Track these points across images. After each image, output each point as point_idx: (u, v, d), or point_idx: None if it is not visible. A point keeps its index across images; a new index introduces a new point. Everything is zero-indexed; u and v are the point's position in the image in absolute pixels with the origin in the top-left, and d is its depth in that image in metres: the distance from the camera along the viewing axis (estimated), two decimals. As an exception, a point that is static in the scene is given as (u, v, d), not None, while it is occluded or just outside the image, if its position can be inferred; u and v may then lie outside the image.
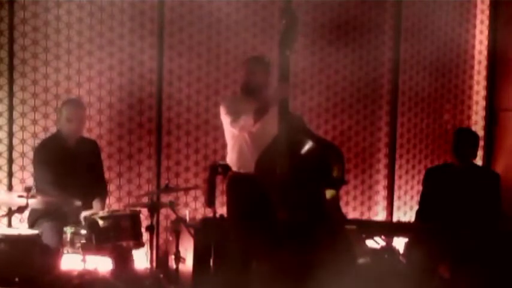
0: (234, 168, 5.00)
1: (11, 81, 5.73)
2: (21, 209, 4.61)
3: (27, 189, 4.58)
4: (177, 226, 5.48)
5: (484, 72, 7.01)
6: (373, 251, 5.04)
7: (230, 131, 4.97)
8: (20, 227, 5.19)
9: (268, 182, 4.48)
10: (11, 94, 5.74)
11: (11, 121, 5.75)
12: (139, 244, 4.90)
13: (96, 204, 5.16)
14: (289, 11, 4.49)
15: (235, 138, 4.96)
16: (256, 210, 4.54)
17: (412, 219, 5.82)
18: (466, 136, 5.49)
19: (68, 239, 4.67)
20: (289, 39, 4.45)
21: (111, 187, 5.94)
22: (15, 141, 5.77)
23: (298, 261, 4.33)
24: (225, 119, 4.96)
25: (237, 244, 4.86)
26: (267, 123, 4.75)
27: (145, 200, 5.57)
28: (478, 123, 7.02)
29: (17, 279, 4.36)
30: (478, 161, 6.73)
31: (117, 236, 4.73)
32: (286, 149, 4.42)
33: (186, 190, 6.07)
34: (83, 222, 4.68)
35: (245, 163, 4.83)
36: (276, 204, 4.42)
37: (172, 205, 5.38)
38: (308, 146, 4.48)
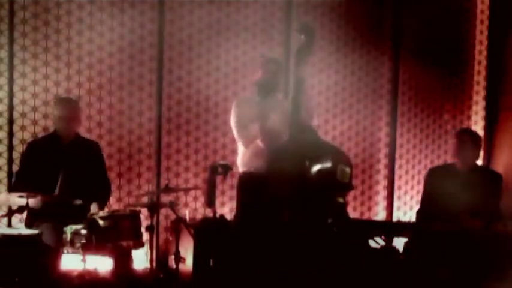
0: (245, 169, 5.03)
1: (11, 81, 5.73)
2: (21, 209, 4.62)
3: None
4: (177, 226, 5.47)
5: (484, 72, 7.01)
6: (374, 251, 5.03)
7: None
8: (20, 227, 5.19)
9: (277, 182, 4.50)
10: (11, 94, 5.74)
11: (11, 120, 5.75)
12: (139, 244, 4.90)
13: (94, 204, 5.16)
14: (307, 27, 4.56)
15: None
16: (266, 210, 4.56)
17: (412, 219, 5.81)
18: (468, 137, 5.49)
19: (68, 239, 4.67)
20: (305, 55, 4.50)
21: (111, 187, 5.93)
22: (15, 141, 5.77)
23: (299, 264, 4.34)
24: (235, 134, 5.06)
25: (241, 243, 4.87)
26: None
27: (145, 200, 5.57)
28: (478, 123, 7.01)
29: (17, 279, 4.36)
30: (478, 161, 6.73)
31: (117, 236, 4.72)
32: (295, 153, 4.45)
33: (186, 190, 6.06)
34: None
35: (259, 164, 4.85)
36: (282, 205, 4.44)
37: (172, 205, 5.38)
38: (317, 150, 4.50)
